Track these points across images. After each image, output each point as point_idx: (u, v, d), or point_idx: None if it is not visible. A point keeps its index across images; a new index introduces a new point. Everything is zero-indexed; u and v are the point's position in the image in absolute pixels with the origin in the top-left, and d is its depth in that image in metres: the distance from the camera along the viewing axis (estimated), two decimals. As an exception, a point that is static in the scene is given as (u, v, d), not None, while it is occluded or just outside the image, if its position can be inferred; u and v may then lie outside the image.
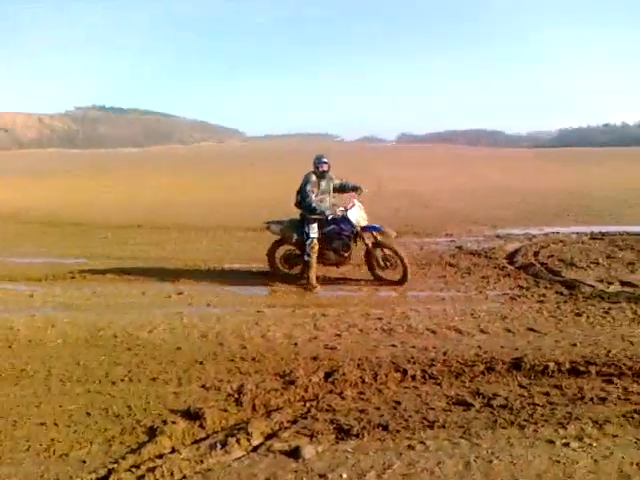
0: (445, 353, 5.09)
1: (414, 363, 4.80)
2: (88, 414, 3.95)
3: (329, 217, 7.83)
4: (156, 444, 3.40)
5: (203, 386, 4.45)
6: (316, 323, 6.18)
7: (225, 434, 3.55)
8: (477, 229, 13.40)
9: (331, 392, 4.27)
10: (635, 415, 3.77)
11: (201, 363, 4.96)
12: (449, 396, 4.18)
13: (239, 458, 3.27)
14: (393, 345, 5.40)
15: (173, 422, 3.72)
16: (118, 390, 4.39)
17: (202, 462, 3.19)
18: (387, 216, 13.16)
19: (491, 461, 3.19)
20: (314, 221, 7.90)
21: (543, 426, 3.62)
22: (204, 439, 3.52)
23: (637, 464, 3.15)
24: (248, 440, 3.44)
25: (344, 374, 4.53)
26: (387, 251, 7.93)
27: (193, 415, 3.83)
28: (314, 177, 8.00)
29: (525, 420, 3.72)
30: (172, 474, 3.06)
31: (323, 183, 8.08)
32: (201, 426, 3.68)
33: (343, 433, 3.56)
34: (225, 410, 3.95)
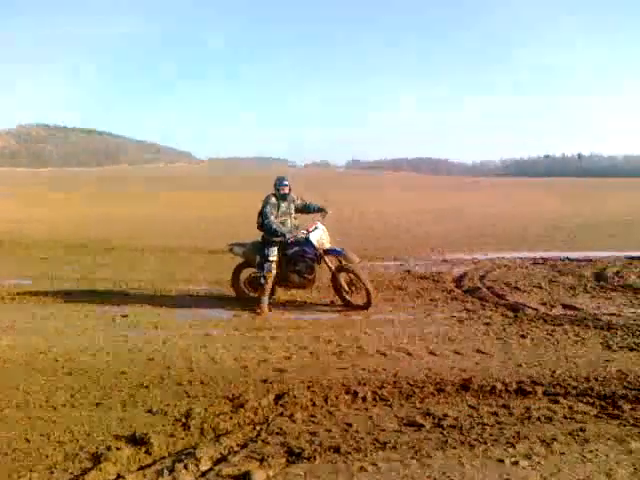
0: (395, 375, 5.10)
1: (365, 385, 4.79)
2: (27, 440, 3.76)
3: (289, 240, 7.74)
4: (100, 470, 3.26)
5: (149, 411, 4.30)
6: (266, 346, 6.10)
7: (172, 459, 3.44)
8: (425, 253, 13.64)
9: (281, 415, 4.20)
10: (581, 433, 3.86)
11: (147, 387, 4.81)
12: (400, 417, 4.17)
13: (187, 484, 3.17)
14: (344, 367, 5.37)
15: (118, 448, 3.58)
16: (60, 416, 4.19)
17: (148, 488, 3.08)
18: (337, 240, 13.21)
19: (442, 481, 3.19)
20: (275, 244, 7.78)
21: (493, 445, 3.65)
22: (151, 465, 3.39)
23: (584, 480, 3.21)
24: (196, 465, 3.34)
25: (294, 397, 4.48)
26: (351, 275, 7.85)
27: (139, 440, 3.70)
28: (274, 199, 7.90)
29: (475, 440, 3.74)
30: (117, 501, 2.94)
31: (284, 205, 7.98)
32: (147, 452, 3.55)
33: (294, 456, 3.50)
34: (172, 435, 3.82)
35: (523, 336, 6.45)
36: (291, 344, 6.16)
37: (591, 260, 12.08)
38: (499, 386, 4.73)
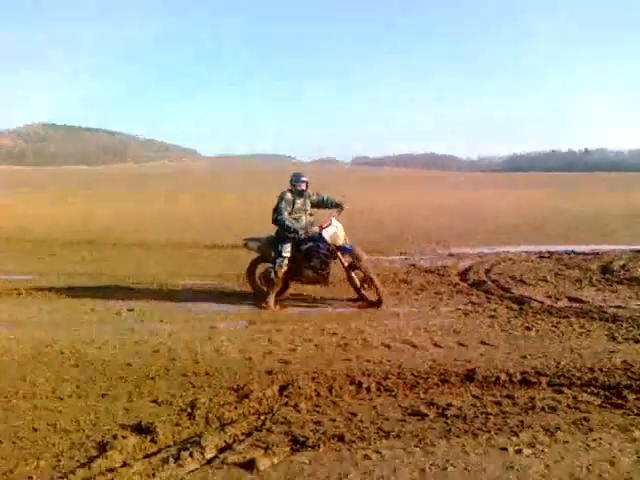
0: (400, 366, 5.10)
1: (369, 376, 4.79)
2: (35, 430, 3.79)
3: (301, 237, 7.68)
4: (106, 458, 3.28)
5: (155, 401, 4.33)
6: (270, 338, 6.12)
7: (178, 448, 3.46)
8: (430, 247, 13.64)
9: (286, 405, 4.22)
10: (584, 422, 3.86)
11: (152, 378, 4.84)
12: (404, 407, 4.18)
13: (192, 471, 3.19)
14: (348, 359, 5.38)
15: (124, 437, 3.60)
16: (66, 406, 4.22)
17: (154, 475, 3.09)
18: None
19: (445, 468, 3.20)
20: (289, 240, 7.73)
21: (496, 434, 3.66)
22: (156, 453, 3.41)
23: (587, 467, 3.21)
24: (201, 453, 3.36)
25: (299, 387, 4.49)
26: (361, 272, 7.79)
27: (144, 430, 3.73)
28: (289, 195, 7.86)
29: (478, 429, 3.75)
30: (123, 487, 2.97)
31: (299, 201, 7.92)
32: (153, 440, 3.58)
33: (298, 445, 3.52)
34: (178, 424, 3.85)
35: (528, 328, 6.44)
36: (296, 336, 6.17)
37: (597, 253, 12.06)
38: (503, 377, 4.73)
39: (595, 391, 4.48)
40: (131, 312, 7.35)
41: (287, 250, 7.73)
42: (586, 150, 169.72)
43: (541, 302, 7.68)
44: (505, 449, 3.45)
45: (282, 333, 6.33)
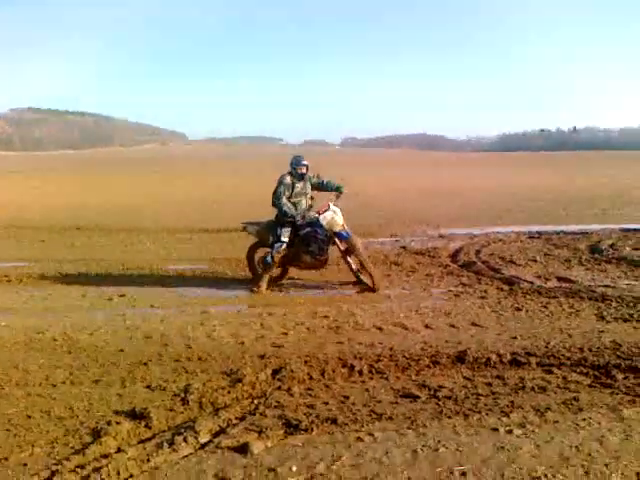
0: (391, 348, 5.14)
1: (361, 359, 4.83)
2: (29, 417, 3.80)
3: (298, 222, 7.66)
4: (101, 444, 3.30)
5: (148, 387, 4.34)
6: (263, 322, 6.15)
7: (172, 433, 3.48)
8: (421, 229, 13.68)
9: (279, 389, 4.25)
10: (574, 402, 3.91)
11: (145, 364, 4.85)
12: (396, 389, 4.22)
13: (187, 456, 3.21)
14: (340, 342, 5.42)
15: (118, 423, 3.62)
16: (59, 393, 4.23)
17: (149, 461, 3.11)
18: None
19: (437, 449, 3.25)
20: (288, 224, 7.70)
21: (487, 415, 3.71)
22: (150, 439, 3.43)
23: (576, 447, 3.26)
24: (196, 438, 3.38)
25: (292, 371, 4.52)
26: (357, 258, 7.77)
27: (138, 415, 3.74)
28: (288, 179, 7.79)
29: (469, 409, 3.80)
30: (118, 473, 2.98)
31: (299, 185, 7.85)
32: (147, 426, 3.60)
33: (292, 428, 3.55)
34: (171, 409, 3.87)
35: (518, 309, 6.50)
36: (288, 320, 6.20)
37: (586, 233, 12.15)
38: (494, 358, 4.78)
39: (584, 371, 4.55)
40: (123, 298, 7.33)
41: (286, 235, 7.69)
42: (575, 129, 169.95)
43: (531, 282, 7.75)
44: (496, 429, 3.50)
45: (274, 317, 6.35)
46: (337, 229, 7.69)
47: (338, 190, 8.02)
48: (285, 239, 7.69)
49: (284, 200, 7.67)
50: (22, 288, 7.96)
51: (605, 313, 6.23)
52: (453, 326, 5.91)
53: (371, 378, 4.48)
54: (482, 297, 7.06)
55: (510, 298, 6.97)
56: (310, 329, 5.89)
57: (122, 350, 5.23)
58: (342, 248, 7.83)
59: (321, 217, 7.63)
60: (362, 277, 7.82)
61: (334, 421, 3.62)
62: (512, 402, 3.93)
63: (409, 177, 39.04)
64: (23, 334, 5.74)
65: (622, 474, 2.99)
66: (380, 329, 5.84)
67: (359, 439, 3.38)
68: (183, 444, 3.30)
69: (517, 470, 3.03)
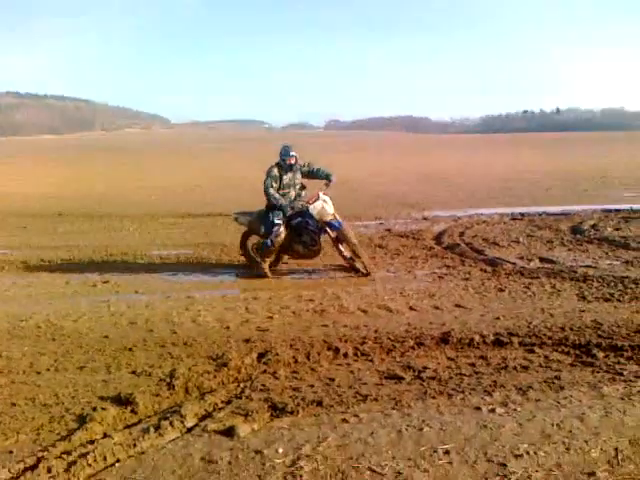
0: (376, 331, 5.18)
1: (346, 341, 4.86)
2: (13, 404, 3.78)
3: (287, 213, 7.61)
4: (87, 430, 3.30)
5: (133, 372, 4.34)
6: (248, 306, 6.15)
7: (158, 418, 3.49)
8: (405, 212, 13.72)
9: (265, 372, 4.27)
10: (555, 381, 3.98)
11: (130, 350, 4.84)
12: (381, 371, 4.26)
13: (173, 440, 3.22)
14: (325, 325, 5.45)
15: (103, 408, 3.61)
16: (44, 380, 4.22)
17: (135, 446, 3.12)
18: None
19: (422, 429, 3.29)
20: (279, 209, 7.63)
21: (470, 394, 3.76)
22: (136, 424, 3.44)
23: (557, 425, 3.31)
24: (182, 422, 3.39)
25: (277, 354, 4.54)
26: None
27: (124, 401, 3.74)
28: (276, 171, 7.73)
29: (453, 389, 3.85)
30: (105, 459, 2.98)
31: (287, 176, 7.78)
32: (133, 411, 3.60)
33: (278, 411, 3.57)
34: (157, 395, 3.87)
35: (501, 290, 6.57)
36: (273, 304, 6.22)
37: (568, 214, 12.28)
38: (477, 338, 4.84)
39: (566, 350, 4.62)
40: (106, 284, 7.30)
41: (279, 217, 7.57)
42: (558, 110, 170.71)
43: (514, 264, 7.82)
44: (479, 408, 3.55)
45: (259, 301, 6.36)
46: (328, 219, 7.62)
47: (327, 178, 7.93)
48: (279, 221, 7.57)
49: (272, 192, 7.62)
50: (4, 275, 7.90)
51: (586, 293, 6.31)
52: (437, 308, 5.95)
53: (356, 360, 4.51)
54: (466, 279, 7.12)
55: (493, 279, 7.04)
56: (295, 313, 5.90)
57: (107, 336, 5.22)
58: (333, 236, 7.78)
59: (311, 207, 7.57)
60: (355, 264, 7.79)
61: (320, 403, 3.65)
62: (495, 382, 3.98)
63: (393, 160, 39.05)
64: (6, 322, 5.71)
65: (601, 449, 3.05)
66: (365, 312, 5.88)
67: (344, 420, 3.42)
68: (169, 428, 3.31)
69: (500, 448, 3.08)
